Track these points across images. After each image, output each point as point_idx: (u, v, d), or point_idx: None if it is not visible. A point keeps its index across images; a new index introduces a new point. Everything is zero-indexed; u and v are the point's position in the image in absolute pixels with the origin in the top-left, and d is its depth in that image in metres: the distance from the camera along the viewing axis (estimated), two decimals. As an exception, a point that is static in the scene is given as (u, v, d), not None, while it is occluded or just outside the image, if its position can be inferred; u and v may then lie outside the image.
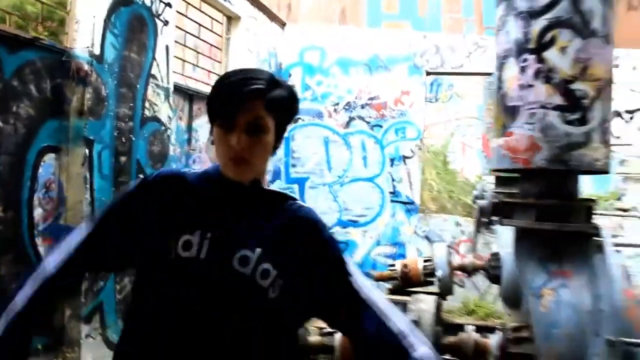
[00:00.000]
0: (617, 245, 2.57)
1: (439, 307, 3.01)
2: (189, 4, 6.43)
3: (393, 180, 8.35)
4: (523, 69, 2.68)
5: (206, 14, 6.88)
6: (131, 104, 5.02)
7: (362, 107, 8.51)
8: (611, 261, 2.48)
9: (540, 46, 2.64)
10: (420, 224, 8.26)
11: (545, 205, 2.73)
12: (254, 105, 1.52)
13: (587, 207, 2.83)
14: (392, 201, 8.34)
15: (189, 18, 6.50)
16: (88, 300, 4.59)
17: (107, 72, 4.69)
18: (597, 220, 2.87)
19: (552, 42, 2.63)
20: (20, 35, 4.05)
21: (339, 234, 8.33)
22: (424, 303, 2.97)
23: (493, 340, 2.94)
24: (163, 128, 5.54)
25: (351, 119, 8.52)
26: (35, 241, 4.25)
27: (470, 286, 7.58)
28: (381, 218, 8.32)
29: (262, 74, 1.60)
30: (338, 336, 2.96)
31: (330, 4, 11.08)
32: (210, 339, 1.56)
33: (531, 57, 2.67)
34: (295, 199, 1.75)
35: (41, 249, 4.30)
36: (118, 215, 1.70)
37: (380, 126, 8.44)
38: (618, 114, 8.10)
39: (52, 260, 1.65)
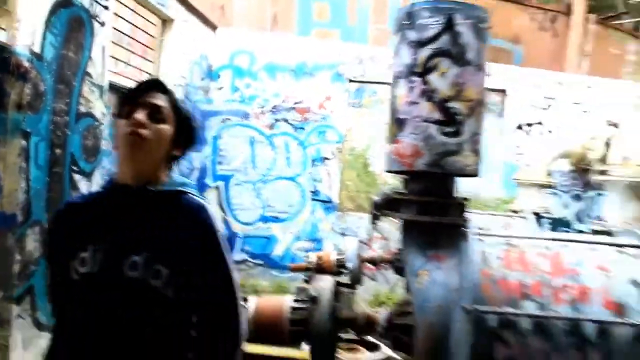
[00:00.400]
0: (480, 235, 3.17)
1: (337, 287, 3.54)
2: (125, 5, 6.74)
3: (314, 179, 8.88)
4: (411, 89, 3.24)
5: (141, 16, 7.20)
6: (67, 100, 5.32)
7: (287, 110, 9.00)
8: (473, 248, 3.07)
9: (425, 70, 3.20)
10: (337, 222, 8.84)
11: (425, 202, 3.30)
12: (155, 95, 1.75)
13: (460, 204, 3.43)
14: (313, 199, 8.87)
15: (125, 19, 6.81)
16: (20, 283, 4.89)
17: (46, 69, 4.98)
18: (469, 215, 3.48)
19: (434, 68, 3.20)
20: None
21: (261, 229, 8.81)
22: (323, 282, 3.49)
23: (382, 314, 3.50)
24: (97, 123, 5.84)
25: (276, 121, 8.99)
26: (-28, 226, 4.53)
27: (382, 280, 8.18)
28: (301, 215, 8.83)
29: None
30: (252, 305, 3.44)
31: (262, 9, 11.52)
32: (124, 339, 1.67)
33: (417, 79, 3.23)
34: (188, 193, 1.82)
35: (-23, 234, 4.58)
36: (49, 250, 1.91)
37: (304, 129, 8.95)
38: (519, 127, 8.94)
39: None
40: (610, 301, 2.98)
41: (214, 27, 9.01)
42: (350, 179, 9.21)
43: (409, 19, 3.29)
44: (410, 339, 3.27)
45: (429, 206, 3.30)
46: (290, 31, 11.38)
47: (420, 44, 3.24)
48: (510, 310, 2.92)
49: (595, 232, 4.96)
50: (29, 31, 4.82)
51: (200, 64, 8.71)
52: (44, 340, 5.12)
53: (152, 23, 7.49)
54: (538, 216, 5.98)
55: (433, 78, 3.20)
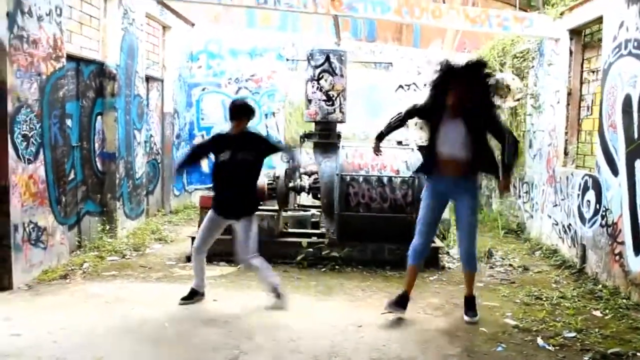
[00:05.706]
0: (344, 147, 7.66)
1: (286, 172, 7.97)
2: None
3: (267, 127, 13.20)
4: (313, 86, 7.62)
5: (151, 26, 11.21)
6: (130, 88, 9.45)
7: (246, 80, 13.18)
8: (341, 152, 7.56)
9: (318, 78, 7.59)
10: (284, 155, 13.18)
11: (322, 134, 7.75)
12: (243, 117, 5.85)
13: (338, 135, 7.89)
14: (267, 140, 13.20)
15: (145, 32, 10.82)
16: (118, 190, 9.09)
17: (121, 73, 9.06)
18: (342, 140, 7.95)
19: (322, 77, 7.58)
20: (88, 57, 8.44)
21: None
22: (279, 171, 7.90)
23: (306, 183, 8.00)
24: (142, 99, 10.03)
25: (239, 88, 13.14)
26: (96, 159, 8.69)
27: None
28: (260, 151, 13.11)
29: (246, 101, 5.99)
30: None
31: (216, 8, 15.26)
32: (237, 182, 5.52)
33: (315, 82, 7.61)
34: (255, 130, 5.95)
35: (98, 164, 8.74)
36: (211, 141, 6.05)
37: (258, 93, 13.17)
38: (401, 86, 13.39)
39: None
40: (393, 169, 7.54)
41: (192, 25, 13.05)
42: (292, 125, 13.56)
43: (311, 55, 7.67)
44: (319, 191, 7.79)
45: (323, 136, 7.77)
46: (239, 20, 15.35)
47: (316, 67, 7.62)
48: (354, 174, 7.44)
49: (398, 143, 9.49)
50: (113, 52, 8.89)
51: (185, 51, 12.82)
52: (129, 223, 9.39)
53: (157, 29, 11.50)
54: (398, 142, 10.45)
55: (322, 82, 7.60)
